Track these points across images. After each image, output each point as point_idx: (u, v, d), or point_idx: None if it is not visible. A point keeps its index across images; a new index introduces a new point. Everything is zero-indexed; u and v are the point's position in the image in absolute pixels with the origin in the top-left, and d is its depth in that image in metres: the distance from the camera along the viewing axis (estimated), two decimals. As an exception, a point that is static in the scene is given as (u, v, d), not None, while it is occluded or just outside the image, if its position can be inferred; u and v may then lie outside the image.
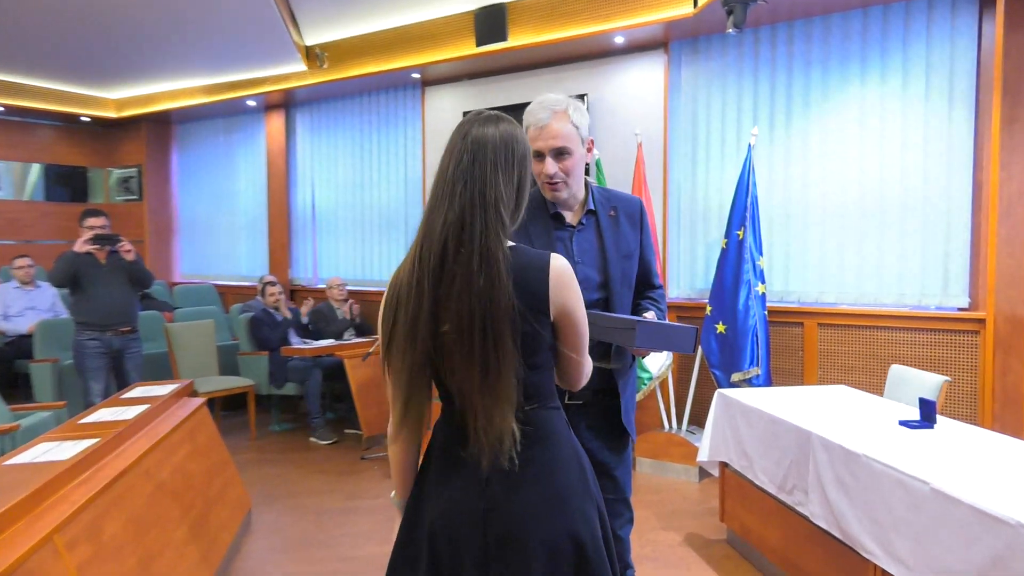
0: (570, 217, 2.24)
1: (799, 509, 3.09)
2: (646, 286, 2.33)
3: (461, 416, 1.53)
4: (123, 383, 5.11)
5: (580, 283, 2.17)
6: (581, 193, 2.23)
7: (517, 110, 6.21)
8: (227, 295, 8.41)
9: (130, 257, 5.10)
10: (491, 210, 1.48)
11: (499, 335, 1.45)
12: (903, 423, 3.03)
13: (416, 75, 6.56)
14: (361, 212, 7.46)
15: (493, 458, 1.49)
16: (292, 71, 6.97)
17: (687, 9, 4.90)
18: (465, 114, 1.67)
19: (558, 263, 1.54)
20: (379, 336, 1.62)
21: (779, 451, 3.21)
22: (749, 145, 4.79)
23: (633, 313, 2.24)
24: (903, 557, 2.43)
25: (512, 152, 1.55)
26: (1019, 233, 4.19)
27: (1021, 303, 4.21)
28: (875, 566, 2.61)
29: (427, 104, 6.82)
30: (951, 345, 4.46)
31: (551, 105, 2.11)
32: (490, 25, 5.74)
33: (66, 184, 8.88)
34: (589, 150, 2.22)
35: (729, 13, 4.43)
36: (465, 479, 1.55)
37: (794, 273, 5.09)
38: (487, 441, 1.48)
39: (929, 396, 3.39)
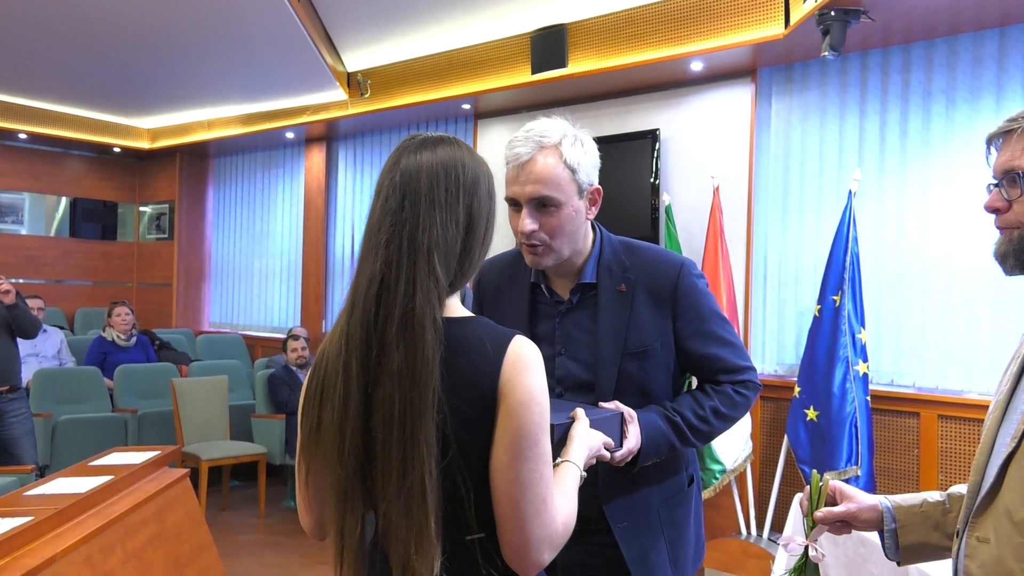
0: (560, 288, 1.85)
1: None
2: (713, 380, 1.83)
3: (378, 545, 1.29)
4: (11, 456, 4.80)
5: (559, 383, 1.82)
6: (581, 256, 1.82)
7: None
8: (256, 347, 8.37)
9: (8, 299, 4.72)
10: (421, 260, 1.24)
11: (416, 433, 1.19)
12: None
13: (467, 106, 6.42)
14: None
15: None
16: (331, 100, 6.94)
17: (777, 30, 4.58)
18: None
19: (522, 348, 1.25)
20: (299, 433, 1.37)
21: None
22: (850, 192, 4.36)
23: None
24: None
25: (455, 180, 1.31)
26: None
27: None
28: None
29: (480, 138, 6.66)
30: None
31: (539, 135, 1.73)
32: (548, 50, 5.55)
33: (94, 220, 9.11)
34: (594, 202, 1.80)
35: (825, 33, 4.09)
36: None
37: (908, 351, 4.57)
38: None
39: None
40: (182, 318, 8.83)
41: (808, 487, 1.56)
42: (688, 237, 5.13)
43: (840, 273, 4.35)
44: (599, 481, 1.72)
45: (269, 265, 8.50)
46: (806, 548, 1.54)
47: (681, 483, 1.89)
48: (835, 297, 4.34)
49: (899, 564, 1.56)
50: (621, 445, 1.61)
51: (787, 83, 5.06)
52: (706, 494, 4.55)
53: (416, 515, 1.19)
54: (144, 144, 8.79)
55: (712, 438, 1.84)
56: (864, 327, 4.37)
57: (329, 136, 7.78)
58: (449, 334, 1.24)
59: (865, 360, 4.34)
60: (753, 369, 1.85)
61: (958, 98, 4.46)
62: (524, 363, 1.23)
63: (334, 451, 1.26)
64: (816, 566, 1.54)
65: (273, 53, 6.37)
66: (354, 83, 6.73)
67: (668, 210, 5.09)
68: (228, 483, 6.21)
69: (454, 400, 1.22)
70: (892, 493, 4.12)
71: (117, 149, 8.78)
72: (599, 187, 1.80)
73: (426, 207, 1.27)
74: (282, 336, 8.07)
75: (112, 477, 3.51)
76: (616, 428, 1.59)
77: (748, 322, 5.09)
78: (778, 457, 4.74)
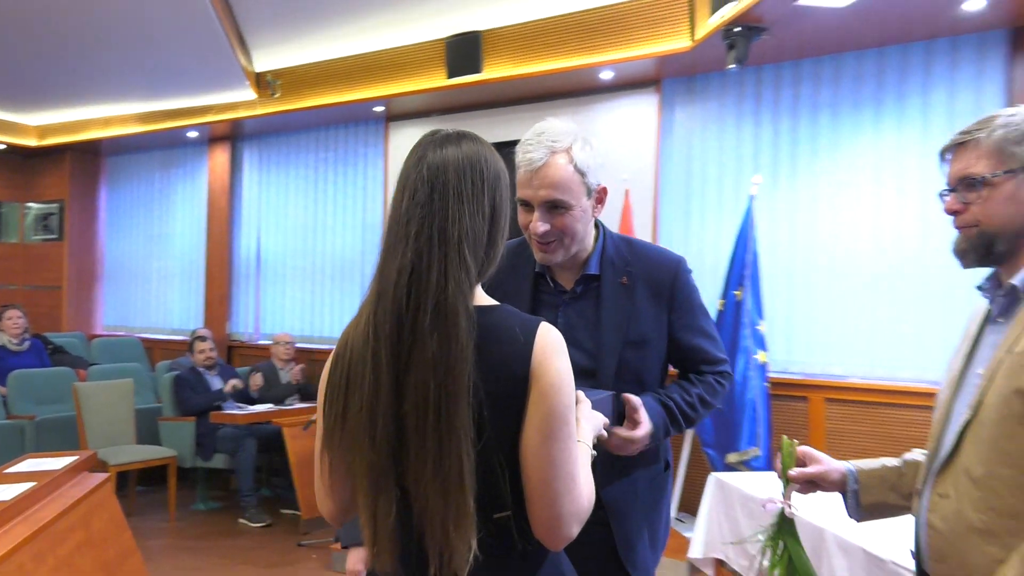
0: (564, 279, 1.90)
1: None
2: (696, 370, 1.93)
3: (409, 524, 1.29)
4: None
5: None
6: (585, 251, 1.88)
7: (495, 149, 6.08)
8: (155, 350, 8.04)
9: None
10: (452, 251, 1.26)
11: (452, 417, 1.21)
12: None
13: (379, 108, 6.39)
14: (312, 260, 7.19)
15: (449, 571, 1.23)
16: (239, 100, 6.77)
17: (684, 43, 4.79)
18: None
19: (550, 334, 1.29)
20: (319, 421, 1.37)
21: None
22: (750, 195, 4.63)
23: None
24: None
25: (480, 174, 1.33)
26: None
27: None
28: None
29: (391, 141, 6.64)
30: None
31: (551, 141, 1.76)
32: (463, 55, 5.60)
33: (-26, 219, 8.54)
34: (600, 200, 1.86)
35: (730, 47, 4.32)
36: None
37: (798, 341, 4.89)
38: (438, 556, 1.23)
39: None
40: (73, 321, 8.38)
41: (780, 451, 1.69)
42: (599, 237, 5.30)
43: (741, 270, 4.60)
44: (598, 464, 1.80)
45: (168, 266, 8.18)
46: (781, 507, 1.67)
47: (660, 468, 1.98)
48: (736, 292, 4.59)
49: (858, 522, 1.72)
50: (612, 426, 1.69)
51: (689, 93, 5.31)
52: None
53: (454, 496, 1.21)
54: (31, 141, 8.29)
55: (695, 424, 1.94)
56: (763, 319, 4.64)
57: (234, 136, 7.57)
58: (479, 322, 1.26)
59: (764, 349, 4.62)
60: (728, 361, 1.98)
61: (841, 110, 4.80)
62: (553, 348, 1.28)
63: (365, 436, 1.27)
64: (792, 520, 1.68)
65: (183, 51, 6.15)
66: (264, 83, 6.58)
67: (580, 211, 5.24)
68: (135, 488, 5.97)
69: (488, 384, 1.24)
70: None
71: (1, 146, 8.24)
72: (605, 187, 1.86)
73: (455, 200, 1.29)
74: (182, 338, 7.82)
75: (35, 484, 3.36)
76: (609, 409, 1.67)
77: (655, 317, 5.30)
78: (683, 442, 4.97)
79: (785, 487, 1.69)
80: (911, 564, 2.31)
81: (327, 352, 6.13)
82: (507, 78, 5.50)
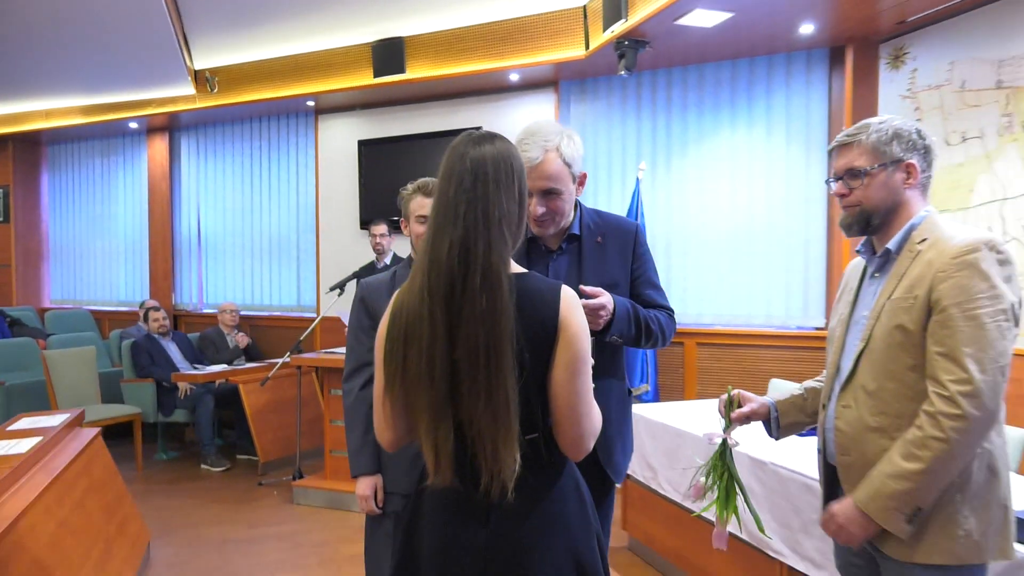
0: (550, 241, 2.08)
1: (706, 515, 3.18)
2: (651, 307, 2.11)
3: (463, 446, 1.42)
4: None
5: None
6: (568, 221, 2.06)
7: (414, 140, 6.10)
8: (104, 321, 7.75)
9: None
10: (495, 229, 1.39)
11: (500, 360, 1.36)
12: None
13: (311, 103, 6.36)
14: (250, 238, 7.10)
15: (495, 488, 1.38)
16: (179, 94, 6.57)
17: (579, 52, 5.05)
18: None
19: (569, 293, 1.46)
20: (380, 369, 1.47)
21: (685, 461, 3.30)
22: (637, 179, 4.97)
23: None
24: (811, 556, 2.56)
25: (511, 168, 1.45)
26: (867, 261, 4.58)
27: (870, 322, 4.59)
28: (782, 565, 2.73)
29: (321, 132, 6.62)
30: (811, 361, 4.79)
31: (544, 140, 1.92)
32: (388, 57, 5.67)
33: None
34: (582, 183, 2.04)
35: (621, 57, 4.61)
36: (465, 511, 1.46)
37: (676, 296, 5.29)
38: (489, 470, 1.38)
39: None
40: (22, 296, 7.95)
41: (724, 397, 1.92)
42: (511, 214, 5.53)
43: (630, 240, 4.94)
44: None
45: (112, 244, 7.86)
46: (724, 439, 1.91)
47: (626, 391, 2.21)
48: (626, 259, 4.93)
49: (777, 439, 1.98)
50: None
51: (582, 93, 5.59)
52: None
53: (503, 422, 1.35)
54: (-27, 131, 7.74)
55: (651, 340, 2.09)
56: (647, 280, 5.01)
57: (172, 127, 7.32)
58: (516, 284, 1.39)
59: (648, 305, 4.99)
60: (673, 310, 2.20)
61: (705, 111, 5.20)
62: (574, 304, 1.43)
63: (425, 379, 1.38)
64: (731, 450, 1.91)
65: (135, 49, 5.91)
66: (202, 79, 6.42)
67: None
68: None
69: (526, 333, 1.38)
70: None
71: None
72: (585, 172, 2.05)
73: (494, 188, 1.41)
74: (129, 309, 7.60)
75: (41, 438, 3.35)
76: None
77: (557, 280, 5.60)
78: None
79: (727, 426, 1.91)
80: (788, 464, 2.70)
81: (267, 318, 6.25)
82: (428, 78, 5.61)
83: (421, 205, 2.37)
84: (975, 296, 1.53)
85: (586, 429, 1.44)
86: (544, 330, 1.41)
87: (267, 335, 6.84)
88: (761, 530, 2.02)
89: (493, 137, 1.48)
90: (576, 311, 1.44)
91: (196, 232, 7.37)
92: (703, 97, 5.19)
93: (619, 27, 4.48)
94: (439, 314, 1.38)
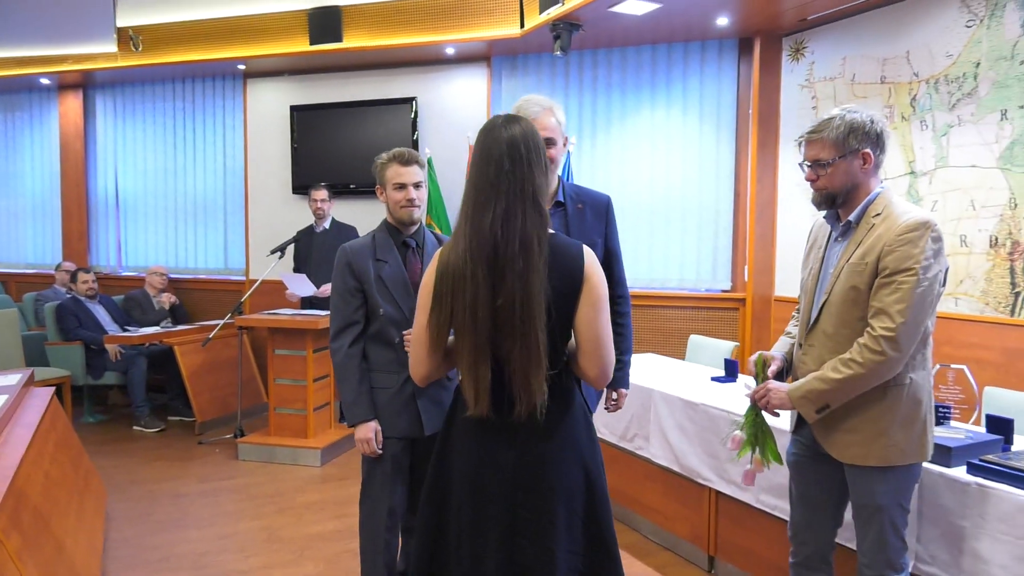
0: None
1: (640, 453, 3.62)
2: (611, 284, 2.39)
3: (499, 381, 1.69)
4: None
5: None
6: (553, 186, 2.37)
7: (349, 108, 6.19)
8: (10, 283, 7.43)
9: None
10: (529, 203, 1.66)
11: (533, 309, 1.64)
12: (714, 379, 3.66)
13: (242, 66, 6.31)
14: (174, 200, 6.98)
15: (525, 414, 1.67)
16: (100, 51, 6.34)
17: (514, 30, 5.31)
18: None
19: (588, 249, 1.75)
20: (424, 314, 1.73)
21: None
22: (568, 152, 5.31)
23: None
24: (737, 480, 3.02)
25: (538, 145, 1.70)
26: (768, 232, 5.14)
27: (769, 287, 5.17)
28: (711, 490, 3.19)
29: (251, 96, 6.57)
30: (721, 320, 5.34)
31: (539, 102, 2.27)
32: (325, 25, 5.71)
33: None
34: (565, 143, 2.40)
35: (556, 38, 4.90)
36: (495, 436, 1.75)
37: (597, 262, 5.70)
38: (522, 399, 1.67)
39: (725, 358, 4.10)
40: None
41: (755, 357, 2.25)
42: (448, 184, 5.77)
43: (560, 210, 5.30)
44: None
45: (18, 204, 7.48)
46: (752, 398, 2.21)
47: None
48: (556, 226, 5.29)
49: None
50: None
51: (513, 69, 5.85)
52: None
53: (534, 359, 1.64)
54: None
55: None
56: (575, 247, 5.39)
57: (86, 84, 7.02)
58: (549, 244, 1.68)
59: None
60: (626, 290, 2.61)
61: (628, 90, 5.58)
62: (593, 257, 1.74)
63: (469, 326, 1.65)
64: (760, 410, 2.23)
65: (67, 3, 5.65)
66: (126, 37, 6.22)
67: (429, 161, 5.66)
68: (25, 408, 5.70)
69: (555, 284, 1.66)
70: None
71: None
72: (567, 137, 2.41)
73: (527, 166, 1.66)
74: (38, 271, 7.34)
75: (6, 396, 3.37)
76: None
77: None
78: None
79: (760, 382, 2.22)
80: (717, 404, 3.13)
81: (192, 281, 6.37)
82: (366, 48, 5.71)
83: (398, 173, 2.56)
84: (911, 266, 1.92)
85: (607, 360, 1.74)
86: (573, 279, 1.71)
87: (193, 297, 6.80)
88: (780, 462, 2.27)
89: (518, 119, 1.75)
90: (596, 263, 1.75)
91: (114, 193, 7.16)
92: (626, 78, 5.57)
93: (555, 10, 4.76)
94: (481, 273, 1.65)
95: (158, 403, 6.26)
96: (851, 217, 2.09)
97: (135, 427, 5.72)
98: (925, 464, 2.25)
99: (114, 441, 5.46)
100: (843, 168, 2.05)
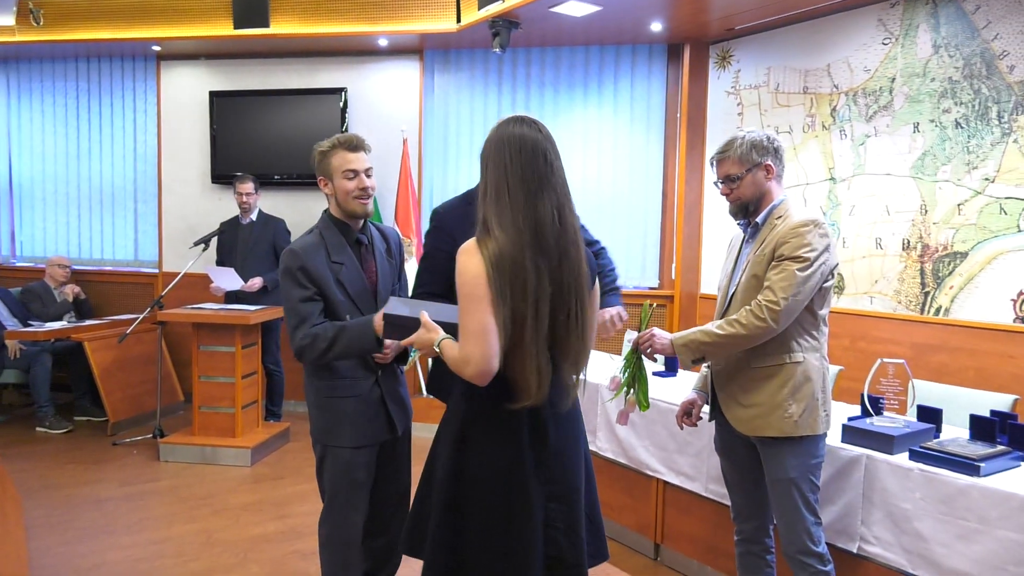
0: None
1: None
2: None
3: (558, 371, 1.78)
4: None
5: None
6: None
7: (274, 96, 5.98)
8: None
9: None
10: (567, 196, 1.79)
11: (584, 296, 1.78)
12: (656, 374, 3.77)
13: (156, 48, 5.97)
14: (77, 186, 6.53)
15: (571, 401, 1.83)
16: (-4, 24, 5.86)
17: (451, 24, 5.27)
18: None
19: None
20: (485, 306, 1.66)
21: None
22: (503, 149, 5.33)
23: None
24: (685, 471, 3.15)
25: (555, 145, 1.83)
26: (695, 232, 5.35)
27: (695, 284, 5.39)
28: (658, 481, 3.31)
29: (165, 79, 6.23)
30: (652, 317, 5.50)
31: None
32: (251, 9, 5.47)
33: None
34: None
35: (495, 35, 4.91)
36: (533, 423, 1.79)
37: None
38: (575, 387, 1.81)
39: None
40: None
41: (644, 306, 2.44)
42: (380, 175, 5.65)
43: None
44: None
45: None
46: (635, 341, 2.41)
47: None
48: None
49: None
50: None
51: (446, 63, 5.81)
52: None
53: (588, 343, 1.80)
54: None
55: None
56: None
57: (-24, 58, 6.48)
58: None
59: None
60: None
61: (561, 89, 5.66)
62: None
63: (531, 317, 1.68)
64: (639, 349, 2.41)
65: None
66: (25, 11, 5.76)
67: (361, 154, 5.54)
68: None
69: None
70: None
71: None
72: None
73: (559, 163, 1.80)
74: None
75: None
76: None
77: (421, 243, 5.85)
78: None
79: (644, 328, 2.41)
80: (666, 398, 3.24)
81: (98, 273, 6.12)
82: (295, 35, 5.53)
83: (347, 160, 2.37)
84: (800, 255, 2.20)
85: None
86: (590, 269, 1.86)
87: (99, 290, 6.40)
88: (644, 407, 2.44)
89: (537, 120, 1.84)
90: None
91: (7, 177, 6.63)
92: (559, 77, 5.65)
93: (495, 7, 4.76)
94: (542, 264, 1.70)
95: (62, 402, 5.86)
96: (758, 220, 2.37)
97: (39, 428, 5.34)
98: (870, 452, 2.46)
99: (16, 444, 5.08)
100: (750, 180, 2.34)
